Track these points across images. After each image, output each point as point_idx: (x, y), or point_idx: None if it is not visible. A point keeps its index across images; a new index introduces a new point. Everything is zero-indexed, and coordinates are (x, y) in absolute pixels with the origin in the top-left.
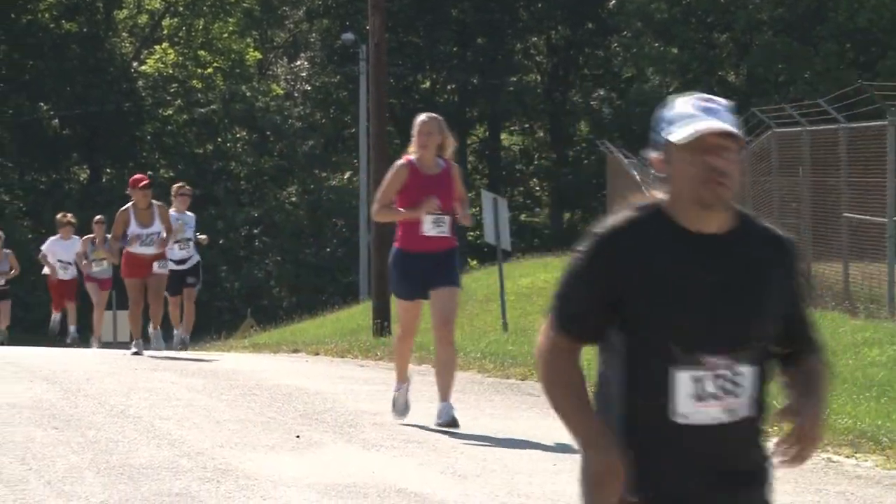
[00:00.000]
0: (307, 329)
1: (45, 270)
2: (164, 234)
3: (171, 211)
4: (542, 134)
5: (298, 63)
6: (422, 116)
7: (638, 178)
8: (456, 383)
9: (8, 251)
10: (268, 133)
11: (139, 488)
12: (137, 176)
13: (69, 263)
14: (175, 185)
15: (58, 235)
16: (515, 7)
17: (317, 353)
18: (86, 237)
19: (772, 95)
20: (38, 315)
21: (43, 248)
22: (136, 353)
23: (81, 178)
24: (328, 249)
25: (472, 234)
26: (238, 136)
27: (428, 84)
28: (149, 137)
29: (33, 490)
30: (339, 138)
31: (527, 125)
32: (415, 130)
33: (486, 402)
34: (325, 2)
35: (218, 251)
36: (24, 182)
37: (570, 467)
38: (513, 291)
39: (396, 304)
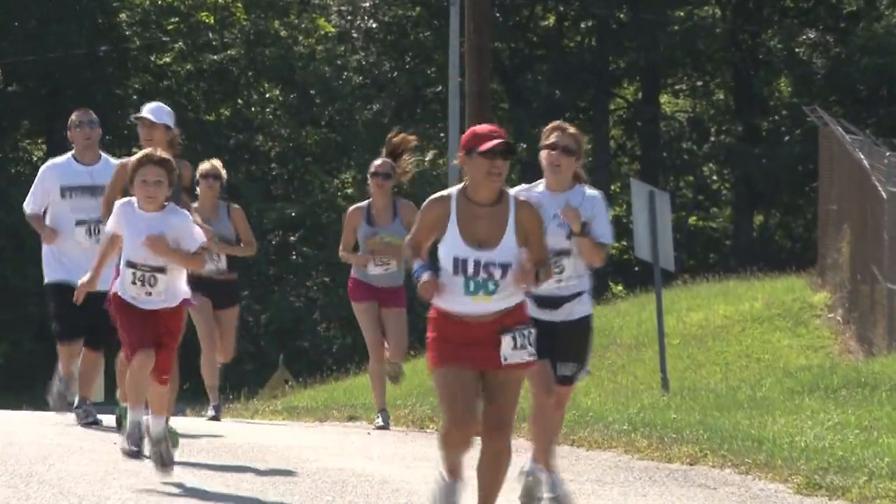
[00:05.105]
0: (368, 385)
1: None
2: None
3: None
4: (721, 96)
5: None
6: None
7: (866, 162)
8: (596, 467)
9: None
10: (312, 92)
11: None
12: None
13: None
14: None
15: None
16: None
17: None
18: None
19: None
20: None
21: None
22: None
23: (35, 158)
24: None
25: (617, 246)
26: (268, 95)
27: (552, 21)
28: (135, 97)
29: None
30: (418, 100)
31: (700, 83)
32: None
33: (636, 496)
34: None
35: (239, 268)
36: None
37: None
38: (677, 331)
39: None
